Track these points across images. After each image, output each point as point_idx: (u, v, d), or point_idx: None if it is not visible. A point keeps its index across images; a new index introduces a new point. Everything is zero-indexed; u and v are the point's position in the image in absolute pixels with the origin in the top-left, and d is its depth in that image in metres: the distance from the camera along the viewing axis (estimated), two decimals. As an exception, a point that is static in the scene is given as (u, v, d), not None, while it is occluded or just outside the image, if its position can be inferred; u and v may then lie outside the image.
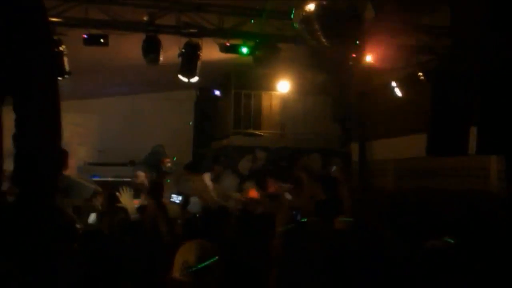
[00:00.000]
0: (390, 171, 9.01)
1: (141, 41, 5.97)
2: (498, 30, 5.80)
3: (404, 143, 8.59)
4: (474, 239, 3.00)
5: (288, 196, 4.87)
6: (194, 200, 5.62)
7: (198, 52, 6.21)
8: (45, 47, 1.68)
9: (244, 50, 6.37)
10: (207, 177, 6.24)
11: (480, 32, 6.22)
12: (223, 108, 11.12)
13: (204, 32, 6.09)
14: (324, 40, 3.95)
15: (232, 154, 9.79)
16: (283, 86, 9.47)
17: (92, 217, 4.99)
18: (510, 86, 5.26)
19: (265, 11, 5.74)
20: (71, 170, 6.53)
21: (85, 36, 5.83)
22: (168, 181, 6.34)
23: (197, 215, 4.56)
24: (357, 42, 4.45)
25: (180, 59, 6.28)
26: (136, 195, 4.96)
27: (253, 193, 6.23)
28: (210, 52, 6.49)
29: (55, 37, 5.38)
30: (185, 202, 5.12)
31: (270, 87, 10.00)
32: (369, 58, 6.79)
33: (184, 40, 6.16)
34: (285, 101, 10.28)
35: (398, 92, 7.40)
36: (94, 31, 5.85)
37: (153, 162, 7.31)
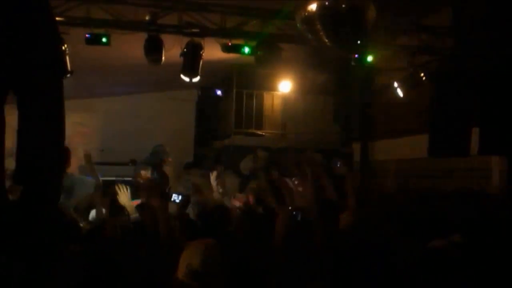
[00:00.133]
0: (392, 171, 9.00)
1: (143, 40, 5.97)
2: (500, 31, 5.80)
3: (405, 144, 8.59)
4: (476, 240, 3.00)
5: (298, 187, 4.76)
6: (193, 200, 5.60)
7: (200, 52, 6.21)
8: (49, 46, 1.68)
9: (246, 50, 6.37)
10: (213, 177, 6.22)
11: (482, 33, 6.22)
12: (225, 107, 11.12)
13: (206, 32, 6.09)
14: (326, 40, 3.94)
15: (234, 154, 9.79)
16: (285, 86, 9.47)
17: (93, 214, 4.97)
18: (512, 86, 5.25)
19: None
20: (72, 170, 6.53)
21: (87, 35, 5.83)
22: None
23: (197, 215, 4.54)
24: (359, 42, 4.45)
25: (182, 58, 6.28)
26: (135, 195, 4.95)
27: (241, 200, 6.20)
28: (212, 51, 6.49)
29: (57, 36, 5.37)
30: (185, 202, 5.10)
31: (271, 87, 10.00)
32: (370, 59, 6.79)
33: (186, 39, 6.16)
34: (287, 101, 10.28)
35: (400, 93, 7.39)
36: (96, 31, 5.85)
37: (154, 162, 7.29)
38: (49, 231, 1.63)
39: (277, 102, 10.57)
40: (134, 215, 4.35)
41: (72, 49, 5.80)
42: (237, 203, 6.00)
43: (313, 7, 3.81)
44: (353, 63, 6.93)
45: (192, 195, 5.63)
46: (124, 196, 4.52)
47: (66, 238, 2.73)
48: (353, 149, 10.12)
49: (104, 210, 4.67)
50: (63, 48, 5.61)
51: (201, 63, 6.29)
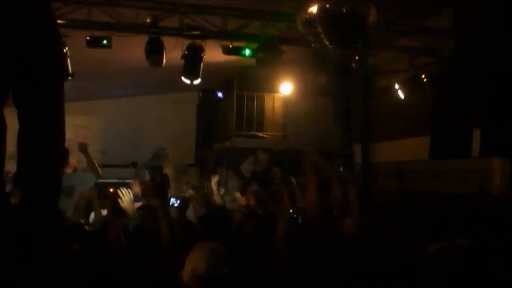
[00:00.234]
0: (393, 173, 8.99)
1: (144, 43, 5.98)
2: (501, 32, 5.80)
3: (407, 146, 8.58)
4: (477, 242, 2.99)
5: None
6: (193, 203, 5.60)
7: (201, 54, 6.21)
8: (51, 49, 1.68)
9: (247, 52, 6.38)
10: (214, 181, 6.22)
11: (483, 35, 6.22)
12: (226, 110, 11.13)
13: (207, 34, 6.09)
14: (327, 43, 3.94)
15: (235, 156, 9.79)
16: (286, 88, 9.47)
17: (92, 217, 4.97)
18: (514, 88, 5.25)
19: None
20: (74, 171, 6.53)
21: (88, 38, 5.84)
22: None
23: (198, 218, 4.54)
24: (360, 44, 4.45)
25: (183, 61, 6.29)
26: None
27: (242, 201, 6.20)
28: (213, 54, 6.49)
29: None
30: (183, 206, 5.09)
31: (272, 89, 10.01)
32: (371, 61, 6.79)
33: (187, 42, 6.17)
34: (288, 103, 10.28)
35: (401, 95, 7.39)
36: (97, 33, 5.86)
37: (155, 165, 7.30)
38: (49, 233, 1.63)
39: (278, 104, 10.57)
40: (136, 218, 4.35)
41: (74, 51, 5.80)
42: (242, 203, 6.01)
43: (314, 9, 3.81)
44: (354, 65, 6.93)
45: (192, 198, 5.63)
46: (126, 200, 4.52)
47: (67, 239, 2.73)
48: (354, 151, 10.11)
49: (105, 212, 4.67)
50: (65, 50, 5.62)
51: (202, 65, 6.30)
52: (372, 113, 9.63)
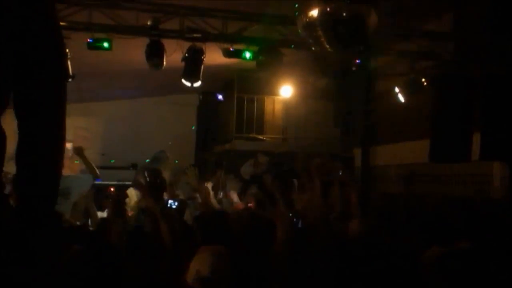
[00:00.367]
0: (393, 176, 8.99)
1: (144, 45, 5.99)
2: (501, 36, 5.80)
3: (406, 149, 8.58)
4: (477, 245, 2.99)
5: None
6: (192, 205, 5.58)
7: (202, 57, 6.22)
8: (52, 49, 1.68)
9: (247, 55, 6.39)
10: (209, 186, 6.22)
11: (483, 38, 6.22)
12: (226, 112, 11.14)
13: (208, 37, 6.10)
14: (327, 46, 3.95)
15: (235, 158, 9.79)
16: (286, 90, 9.48)
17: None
18: (514, 92, 5.25)
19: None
20: (75, 171, 6.52)
21: (88, 40, 5.85)
22: None
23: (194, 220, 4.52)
24: (360, 48, 4.46)
25: (183, 63, 6.29)
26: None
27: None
28: (213, 56, 6.50)
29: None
30: (181, 208, 5.08)
31: (272, 92, 10.01)
32: (372, 64, 6.80)
33: (187, 44, 6.18)
34: (288, 106, 10.29)
35: (401, 98, 7.39)
36: (98, 35, 5.87)
37: (154, 168, 7.28)
38: (48, 236, 1.63)
39: (278, 107, 10.58)
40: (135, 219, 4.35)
41: (74, 54, 5.81)
42: (240, 207, 5.99)
43: (314, 13, 3.82)
44: (354, 68, 6.94)
45: (190, 198, 5.61)
46: (135, 200, 4.53)
47: (67, 240, 2.73)
48: (354, 154, 10.11)
49: (102, 214, 4.68)
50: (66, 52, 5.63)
51: (202, 67, 6.30)
52: (372, 116, 9.64)
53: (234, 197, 6.72)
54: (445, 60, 6.74)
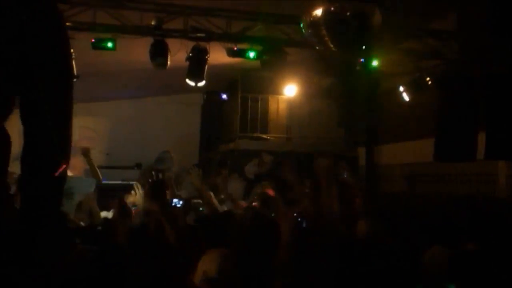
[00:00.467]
0: (397, 176, 8.98)
1: (149, 45, 6.00)
2: (505, 35, 5.78)
3: (411, 148, 8.56)
4: (483, 245, 2.98)
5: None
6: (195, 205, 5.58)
7: (206, 56, 6.23)
8: (56, 49, 1.68)
9: (251, 54, 6.39)
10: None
11: (488, 37, 6.20)
12: (230, 111, 11.14)
13: (212, 37, 6.10)
14: (331, 45, 3.95)
15: (239, 158, 9.79)
16: (290, 90, 9.47)
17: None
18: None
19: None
20: (79, 172, 6.53)
21: (93, 40, 5.86)
22: None
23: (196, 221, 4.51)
24: (365, 47, 4.45)
25: (187, 63, 6.30)
26: None
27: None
28: (217, 56, 6.50)
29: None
30: (186, 207, 5.08)
31: (277, 91, 10.01)
32: (376, 63, 6.78)
33: (191, 44, 6.18)
34: (292, 105, 10.28)
35: (406, 97, 7.38)
36: (102, 36, 5.88)
37: (158, 169, 7.30)
38: (52, 237, 1.63)
39: (282, 106, 10.57)
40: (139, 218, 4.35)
41: (79, 54, 5.83)
42: (242, 206, 5.98)
43: (318, 12, 3.82)
44: (358, 68, 6.93)
45: (194, 198, 5.61)
46: (140, 194, 4.54)
47: (73, 240, 2.74)
48: (358, 153, 10.10)
49: (104, 214, 4.69)
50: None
51: (206, 67, 6.31)
52: (377, 115, 9.61)
53: (235, 195, 6.70)
54: (450, 59, 6.71)
